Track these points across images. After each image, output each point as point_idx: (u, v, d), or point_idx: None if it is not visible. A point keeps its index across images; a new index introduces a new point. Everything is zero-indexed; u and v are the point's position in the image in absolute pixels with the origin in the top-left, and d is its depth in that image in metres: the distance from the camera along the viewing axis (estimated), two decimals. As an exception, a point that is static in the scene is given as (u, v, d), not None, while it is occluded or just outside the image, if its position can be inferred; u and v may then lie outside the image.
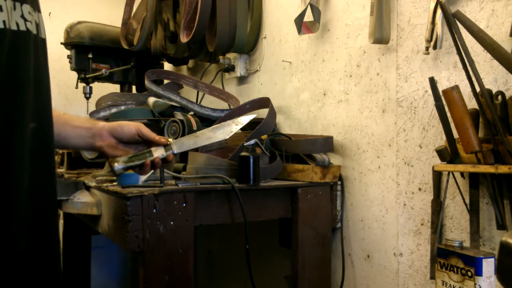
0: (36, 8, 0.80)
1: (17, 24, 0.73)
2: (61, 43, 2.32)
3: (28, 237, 0.75)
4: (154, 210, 1.18)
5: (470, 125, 1.02)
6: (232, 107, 1.91)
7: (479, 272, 0.84)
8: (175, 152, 1.03)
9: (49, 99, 0.81)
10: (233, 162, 1.42)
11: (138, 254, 1.20)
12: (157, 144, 1.02)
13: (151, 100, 1.77)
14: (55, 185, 0.84)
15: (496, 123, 0.98)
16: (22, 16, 0.74)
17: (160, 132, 1.68)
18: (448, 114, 1.08)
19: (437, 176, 1.20)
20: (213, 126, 1.11)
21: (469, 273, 0.86)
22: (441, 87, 1.14)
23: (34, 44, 0.77)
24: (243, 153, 1.37)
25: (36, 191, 0.76)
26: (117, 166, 0.99)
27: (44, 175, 0.79)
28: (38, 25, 0.79)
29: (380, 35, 1.32)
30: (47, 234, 0.80)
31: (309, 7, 1.59)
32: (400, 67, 1.33)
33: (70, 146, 1.07)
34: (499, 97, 1.01)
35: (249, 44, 2.04)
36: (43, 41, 0.81)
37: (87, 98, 2.33)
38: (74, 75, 2.36)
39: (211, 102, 2.21)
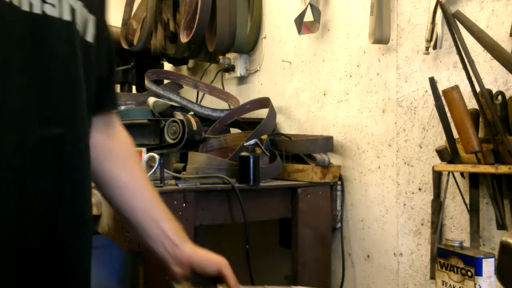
0: None
1: (30, 5, 0.60)
2: (61, 43, 2.31)
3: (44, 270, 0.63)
4: (154, 210, 1.18)
5: (470, 125, 1.02)
6: (232, 107, 1.91)
7: (479, 272, 0.84)
8: None
9: (77, 101, 0.67)
10: (233, 162, 1.42)
11: (138, 254, 1.19)
12: None
13: (151, 100, 1.77)
14: (85, 202, 0.70)
15: (496, 123, 0.98)
16: None
17: (160, 132, 1.69)
18: (448, 114, 1.08)
19: (437, 176, 1.20)
20: None
21: (469, 273, 0.86)
22: (441, 87, 1.14)
23: (61, 32, 0.64)
24: (243, 153, 1.37)
25: (51, 213, 0.63)
26: None
27: (65, 193, 0.65)
28: (73, 11, 0.66)
29: (380, 35, 1.32)
30: (64, 266, 0.66)
31: (309, 7, 1.59)
32: (400, 67, 1.33)
33: (143, 242, 0.89)
34: (499, 97, 1.01)
35: (249, 44, 2.04)
36: (78, 33, 0.68)
37: (87, 98, 2.32)
38: (74, 75, 2.35)
39: (211, 102, 2.21)
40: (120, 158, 0.87)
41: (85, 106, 0.68)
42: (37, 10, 0.61)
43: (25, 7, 0.60)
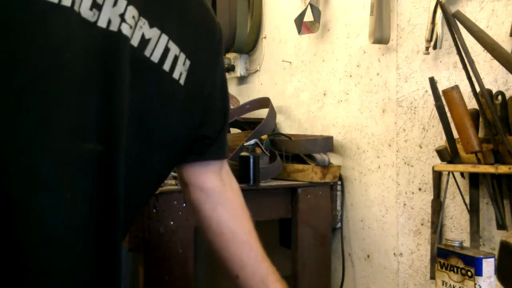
0: (155, 23, 0.67)
1: (109, 21, 0.61)
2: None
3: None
4: (154, 210, 1.18)
5: (470, 125, 1.02)
6: (232, 107, 1.91)
7: (479, 272, 0.84)
8: None
9: (121, 120, 0.63)
10: (233, 162, 1.41)
11: (138, 254, 1.20)
12: None
13: (151, 100, 1.77)
14: (119, 226, 0.67)
15: (496, 123, 0.98)
16: (122, 16, 0.62)
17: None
18: (448, 114, 1.08)
19: (437, 176, 1.20)
20: None
21: (469, 273, 0.86)
22: (441, 87, 1.14)
23: (129, 53, 0.64)
24: (243, 153, 1.37)
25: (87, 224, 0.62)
26: None
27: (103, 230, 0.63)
28: (145, 41, 0.66)
29: (380, 35, 1.32)
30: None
31: (309, 7, 1.59)
32: (400, 67, 1.33)
33: None
34: (499, 97, 1.01)
35: (249, 44, 2.04)
36: (146, 61, 0.66)
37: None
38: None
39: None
40: (235, 208, 0.87)
41: (125, 128, 0.64)
42: (113, 27, 0.61)
43: (101, 23, 0.60)
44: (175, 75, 0.70)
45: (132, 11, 0.63)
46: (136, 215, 0.78)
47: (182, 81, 0.72)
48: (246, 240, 0.85)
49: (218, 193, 0.85)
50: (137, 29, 0.65)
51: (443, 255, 0.92)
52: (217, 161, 0.85)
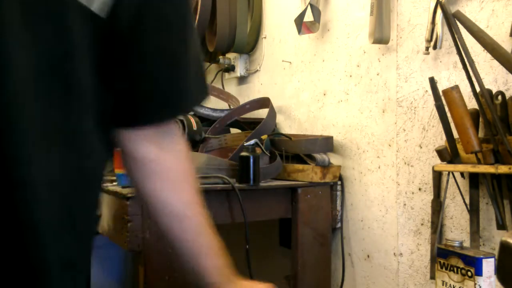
0: None
1: None
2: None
3: None
4: (154, 210, 1.18)
5: (470, 125, 1.02)
6: (232, 107, 1.91)
7: (479, 272, 0.84)
8: None
9: (81, 109, 0.53)
10: (233, 162, 1.42)
11: (138, 254, 1.20)
12: None
13: (151, 100, 1.76)
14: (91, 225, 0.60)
15: (496, 123, 0.98)
16: None
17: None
18: (448, 114, 1.08)
19: (437, 176, 1.20)
20: None
21: (469, 273, 0.86)
22: (441, 87, 1.14)
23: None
24: (243, 153, 1.37)
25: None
26: None
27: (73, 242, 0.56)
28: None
29: (380, 35, 1.32)
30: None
31: (309, 7, 1.59)
32: (400, 67, 1.33)
33: (187, 275, 0.79)
34: (499, 97, 1.01)
35: (249, 44, 2.04)
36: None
37: (87, 98, 2.32)
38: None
39: (211, 102, 2.21)
40: (173, 178, 0.74)
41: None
42: None
43: None
44: (95, 7, 0.53)
45: None
46: (92, 203, 0.64)
47: (103, 14, 0.54)
48: (181, 211, 0.74)
49: (152, 161, 0.71)
50: None
51: (443, 255, 0.92)
52: (153, 125, 0.69)
